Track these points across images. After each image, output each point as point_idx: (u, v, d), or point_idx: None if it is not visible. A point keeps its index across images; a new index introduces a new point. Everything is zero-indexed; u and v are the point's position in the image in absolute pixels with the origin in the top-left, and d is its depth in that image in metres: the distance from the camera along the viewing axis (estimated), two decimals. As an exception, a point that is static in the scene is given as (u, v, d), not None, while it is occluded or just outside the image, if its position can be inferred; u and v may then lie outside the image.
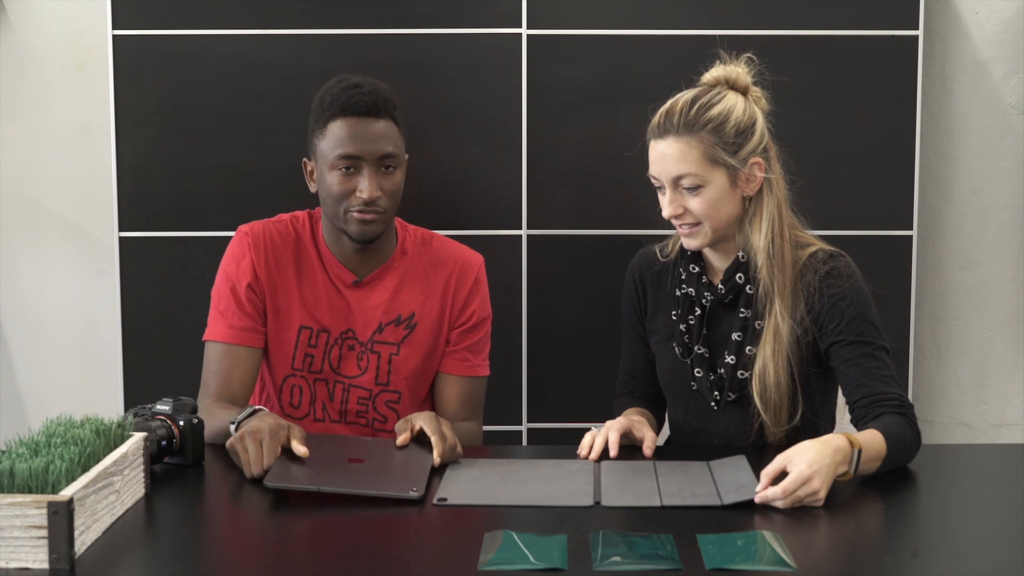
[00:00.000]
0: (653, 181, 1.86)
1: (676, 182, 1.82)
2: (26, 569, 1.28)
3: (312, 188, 2.04)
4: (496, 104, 2.65)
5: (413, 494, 1.55)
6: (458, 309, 2.08)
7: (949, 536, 1.52)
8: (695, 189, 1.81)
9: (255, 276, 2.01)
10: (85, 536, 1.34)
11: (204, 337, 2.02)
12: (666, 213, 1.85)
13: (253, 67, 2.63)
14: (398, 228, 2.10)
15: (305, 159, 2.05)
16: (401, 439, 1.77)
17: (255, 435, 1.66)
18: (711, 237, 1.85)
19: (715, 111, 1.81)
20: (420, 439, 1.77)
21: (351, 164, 1.94)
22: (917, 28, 2.64)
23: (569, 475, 1.68)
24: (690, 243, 1.87)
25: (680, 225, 1.86)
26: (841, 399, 1.93)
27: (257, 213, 2.12)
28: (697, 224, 1.84)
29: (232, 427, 1.76)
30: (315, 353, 2.03)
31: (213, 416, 1.88)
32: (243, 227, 2.06)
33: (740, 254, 1.87)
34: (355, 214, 1.95)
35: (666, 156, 1.82)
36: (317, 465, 1.64)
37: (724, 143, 1.80)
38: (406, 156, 2.03)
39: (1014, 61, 2.83)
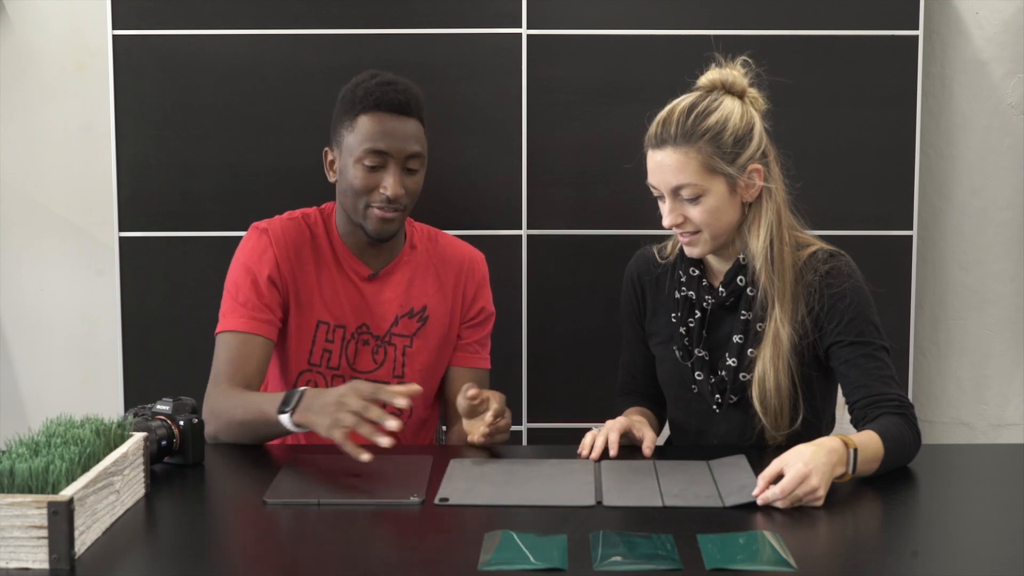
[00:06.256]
0: (652, 190, 1.85)
1: (675, 192, 1.81)
2: (26, 569, 1.28)
3: (331, 178, 2.04)
4: (496, 104, 2.65)
5: (414, 499, 1.55)
6: (467, 305, 2.11)
7: (949, 536, 1.52)
8: (695, 199, 1.80)
9: (278, 270, 1.99)
10: (85, 536, 1.34)
11: (218, 329, 1.98)
12: (666, 222, 1.84)
13: (253, 67, 2.63)
14: (406, 224, 2.11)
15: (327, 148, 2.04)
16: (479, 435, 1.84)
17: (360, 393, 1.67)
18: (711, 244, 1.84)
19: (712, 120, 1.79)
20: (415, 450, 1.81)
21: (379, 160, 1.94)
22: (917, 28, 2.64)
23: (570, 475, 1.68)
24: (692, 251, 1.86)
25: (681, 233, 1.85)
26: (841, 399, 1.93)
27: (257, 213, 2.12)
28: (697, 232, 1.83)
29: (286, 416, 1.74)
30: (332, 348, 2.02)
31: (237, 397, 1.85)
32: (259, 224, 2.04)
33: (740, 256, 1.87)
34: (375, 210, 1.96)
35: (664, 166, 1.81)
36: (315, 480, 1.64)
37: (722, 152, 1.79)
38: (426, 157, 2.04)
39: (1014, 61, 2.83)
